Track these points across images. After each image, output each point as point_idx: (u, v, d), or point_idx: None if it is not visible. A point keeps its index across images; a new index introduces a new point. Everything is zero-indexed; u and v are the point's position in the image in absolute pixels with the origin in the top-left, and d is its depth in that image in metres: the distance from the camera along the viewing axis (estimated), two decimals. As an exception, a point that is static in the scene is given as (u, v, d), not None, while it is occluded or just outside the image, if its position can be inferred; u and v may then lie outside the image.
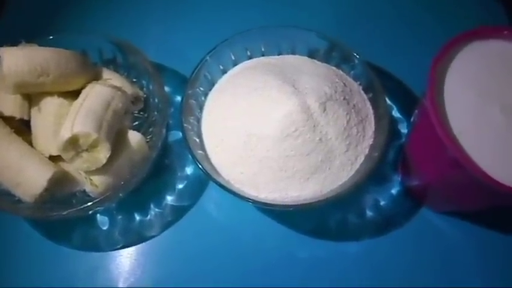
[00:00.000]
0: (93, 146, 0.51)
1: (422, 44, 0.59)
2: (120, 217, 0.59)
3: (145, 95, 0.62)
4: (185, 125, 0.55)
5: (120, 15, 0.75)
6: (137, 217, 0.59)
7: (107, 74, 0.60)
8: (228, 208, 0.59)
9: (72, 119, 0.52)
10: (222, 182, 0.53)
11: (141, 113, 0.64)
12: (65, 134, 0.50)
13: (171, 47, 0.71)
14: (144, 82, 0.62)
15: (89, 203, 0.54)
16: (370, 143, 0.57)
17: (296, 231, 0.58)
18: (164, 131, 0.56)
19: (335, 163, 0.55)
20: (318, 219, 0.58)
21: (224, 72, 0.62)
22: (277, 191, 0.54)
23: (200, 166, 0.53)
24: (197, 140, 0.57)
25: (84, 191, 0.58)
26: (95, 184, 0.54)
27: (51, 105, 0.55)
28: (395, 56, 0.69)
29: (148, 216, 0.59)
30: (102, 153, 0.51)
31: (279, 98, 0.54)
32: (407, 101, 0.65)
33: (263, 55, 0.64)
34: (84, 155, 0.51)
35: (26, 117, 0.57)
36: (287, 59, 0.63)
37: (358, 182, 0.53)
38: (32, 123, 0.57)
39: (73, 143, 0.51)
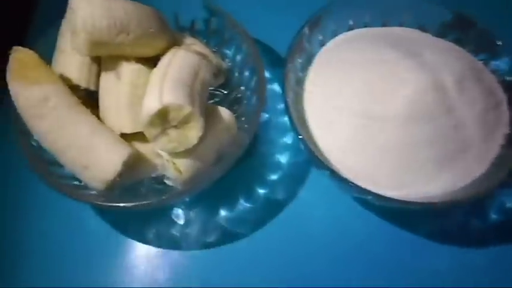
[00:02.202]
0: (184, 122, 0.41)
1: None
2: (200, 211, 0.49)
3: (228, 68, 0.51)
4: (288, 99, 0.45)
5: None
6: (222, 212, 0.49)
7: (187, 39, 0.50)
8: (333, 203, 0.49)
9: (158, 89, 0.42)
10: (336, 171, 0.43)
11: (220, 89, 0.53)
12: (153, 105, 0.40)
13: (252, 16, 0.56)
14: (228, 52, 0.51)
15: (171, 193, 0.44)
16: (506, 131, 0.46)
17: (410, 235, 0.48)
18: (262, 109, 0.45)
19: (469, 154, 0.45)
20: (435, 222, 0.49)
21: (322, 44, 0.52)
22: (398, 186, 0.45)
23: (310, 151, 0.43)
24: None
25: (154, 178, 0.48)
26: (178, 169, 0.44)
27: (126, 72, 0.45)
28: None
29: (235, 212, 0.49)
30: (195, 131, 0.41)
31: (405, 73, 0.45)
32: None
33: (365, 26, 0.53)
34: (172, 132, 0.41)
35: (92, 88, 0.47)
36: (396, 30, 0.52)
37: (501, 178, 0.42)
38: (101, 95, 0.46)
39: (161, 117, 0.40)
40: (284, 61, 0.47)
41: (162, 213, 0.49)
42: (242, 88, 0.51)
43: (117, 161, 0.43)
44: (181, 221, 0.49)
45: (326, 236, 0.48)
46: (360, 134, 0.45)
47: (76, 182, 0.47)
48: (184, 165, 0.44)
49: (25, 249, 0.49)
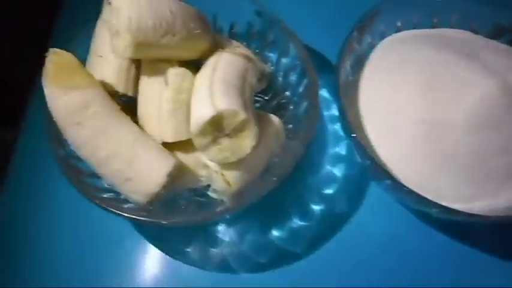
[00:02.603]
0: (237, 131, 0.37)
1: None
2: (247, 227, 0.45)
3: (271, 72, 0.48)
4: (342, 104, 0.41)
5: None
6: (273, 229, 0.45)
7: (228, 42, 0.47)
8: (391, 218, 0.46)
9: (208, 94, 0.39)
10: (397, 181, 0.40)
11: (260, 95, 0.49)
12: (206, 112, 0.36)
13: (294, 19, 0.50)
14: (271, 55, 0.48)
15: (221, 207, 0.41)
16: None
17: (472, 250, 0.44)
18: (317, 115, 0.42)
19: (540, 163, 0.41)
20: (497, 236, 0.45)
21: (372, 46, 0.49)
22: (463, 198, 0.42)
23: (369, 159, 0.40)
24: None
25: (194, 190, 0.45)
26: (227, 181, 0.40)
27: (170, 76, 0.42)
28: None
29: (288, 229, 0.45)
30: (249, 140, 0.38)
31: (469, 75, 0.41)
32: None
33: (414, 27, 0.50)
34: (224, 141, 0.38)
35: (130, 93, 0.43)
36: (448, 32, 0.49)
37: None
38: (140, 101, 0.43)
39: (213, 125, 0.37)
40: (333, 65, 0.44)
41: (203, 229, 0.45)
42: (287, 93, 0.47)
43: (162, 172, 0.40)
44: (226, 238, 0.46)
45: (386, 253, 0.45)
46: (421, 142, 0.42)
47: (112, 195, 0.43)
48: (234, 177, 0.41)
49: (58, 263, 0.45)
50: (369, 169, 0.44)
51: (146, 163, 0.40)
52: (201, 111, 0.37)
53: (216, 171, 0.41)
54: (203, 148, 0.39)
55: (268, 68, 0.49)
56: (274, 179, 0.42)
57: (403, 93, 0.43)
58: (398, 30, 0.51)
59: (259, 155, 0.42)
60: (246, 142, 0.39)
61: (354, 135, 0.40)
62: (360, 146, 0.40)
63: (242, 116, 0.37)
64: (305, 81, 0.45)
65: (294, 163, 0.41)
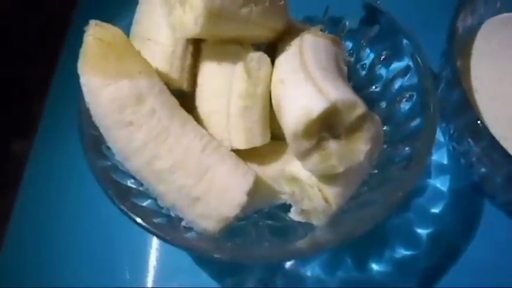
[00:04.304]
0: (351, 130, 0.27)
1: None
2: (337, 260, 0.34)
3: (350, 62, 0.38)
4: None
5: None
6: (371, 263, 0.34)
7: (303, 25, 0.37)
8: None
9: (307, 82, 0.28)
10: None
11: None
12: (317, 104, 0.26)
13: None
14: (348, 44, 0.38)
15: (315, 240, 0.30)
16: None
17: None
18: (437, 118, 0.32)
19: None
20: None
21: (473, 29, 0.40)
22: None
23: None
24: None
25: (264, 211, 0.34)
26: (326, 199, 0.30)
27: (243, 63, 0.31)
28: None
29: (390, 262, 0.35)
30: (363, 143, 0.28)
31: None
32: None
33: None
34: (332, 145, 0.27)
35: (185, 86, 0.32)
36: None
37: None
38: (200, 96, 0.33)
39: (322, 123, 0.26)
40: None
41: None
42: (375, 88, 0.37)
43: (242, 189, 0.29)
44: (308, 273, 0.35)
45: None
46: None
47: (164, 220, 0.32)
48: (334, 193, 0.31)
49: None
50: (490, 179, 0.34)
51: (220, 178, 0.30)
52: (308, 104, 0.27)
53: (312, 185, 0.30)
54: (304, 155, 0.28)
55: (347, 57, 0.39)
56: (388, 199, 0.31)
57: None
58: (500, 12, 0.42)
59: (364, 164, 0.32)
60: (360, 146, 0.29)
61: (479, 122, 0.30)
62: (486, 145, 0.30)
63: (361, 109, 0.27)
64: (408, 74, 0.34)
65: (415, 178, 0.30)
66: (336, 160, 0.29)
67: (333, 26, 0.41)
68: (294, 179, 0.32)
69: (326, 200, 0.31)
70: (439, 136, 0.40)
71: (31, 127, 0.43)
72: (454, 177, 0.39)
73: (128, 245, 0.38)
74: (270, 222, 0.36)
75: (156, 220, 0.32)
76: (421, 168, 0.32)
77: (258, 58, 0.33)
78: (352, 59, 0.40)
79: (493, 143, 0.33)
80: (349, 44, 0.41)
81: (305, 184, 0.32)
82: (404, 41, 0.36)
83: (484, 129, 0.33)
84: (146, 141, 0.29)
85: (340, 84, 0.29)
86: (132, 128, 0.29)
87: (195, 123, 0.31)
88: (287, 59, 0.33)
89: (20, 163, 0.41)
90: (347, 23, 0.41)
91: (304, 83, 0.29)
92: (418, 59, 0.35)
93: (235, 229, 0.35)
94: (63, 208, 0.41)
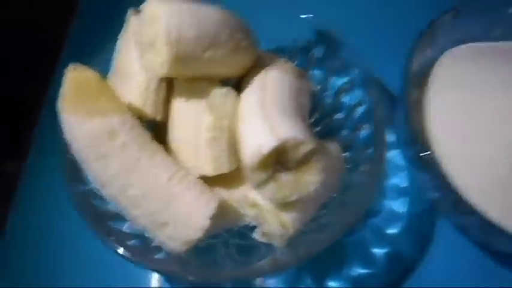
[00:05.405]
0: (301, 163, 0.30)
1: None
2: (297, 279, 0.38)
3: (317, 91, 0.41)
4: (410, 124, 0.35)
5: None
6: (329, 281, 0.38)
7: (272, 57, 0.40)
8: (471, 262, 0.38)
9: (263, 120, 0.31)
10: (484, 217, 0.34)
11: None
12: (267, 142, 0.29)
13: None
14: (317, 73, 0.41)
15: (272, 261, 0.33)
16: None
17: None
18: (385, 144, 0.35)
19: None
20: None
21: (432, 61, 0.42)
22: None
23: (450, 192, 0.34)
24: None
25: (234, 231, 0.37)
26: (283, 223, 0.33)
27: (210, 98, 0.34)
28: None
29: (347, 279, 0.38)
30: (315, 175, 0.31)
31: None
32: None
33: (478, 40, 0.44)
34: (285, 177, 0.31)
35: (159, 118, 0.36)
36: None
37: None
38: (173, 127, 0.36)
39: (274, 157, 0.30)
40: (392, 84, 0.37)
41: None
42: (339, 116, 0.40)
43: (205, 215, 0.33)
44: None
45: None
46: (508, 171, 0.34)
47: (139, 242, 0.35)
48: (291, 218, 0.34)
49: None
50: (441, 204, 0.37)
51: (185, 204, 0.33)
52: (260, 141, 0.30)
53: (270, 211, 0.34)
54: (259, 185, 0.31)
55: (314, 86, 0.42)
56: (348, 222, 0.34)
57: (480, 116, 0.37)
58: (459, 43, 0.44)
59: (320, 192, 0.35)
60: (311, 177, 0.32)
61: (428, 153, 0.33)
62: (435, 175, 0.33)
63: (309, 146, 0.30)
64: (365, 102, 0.37)
65: (369, 201, 0.33)
66: (288, 190, 0.32)
67: (302, 55, 0.44)
68: (254, 205, 0.35)
69: (283, 225, 0.35)
70: (400, 160, 0.43)
71: (22, 149, 0.46)
72: (413, 199, 0.42)
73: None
74: (238, 241, 0.39)
75: (130, 242, 0.36)
76: (371, 194, 0.35)
77: (222, 93, 0.36)
78: (319, 87, 0.43)
79: (442, 174, 0.36)
80: (317, 73, 0.43)
81: (264, 210, 0.35)
82: (359, 72, 0.39)
83: (433, 160, 0.36)
84: (119, 172, 0.32)
85: (293, 122, 0.33)
86: (106, 160, 0.32)
87: (164, 154, 0.35)
88: (249, 93, 0.36)
89: (11, 184, 0.45)
90: (315, 53, 0.43)
91: (258, 120, 0.33)
92: (372, 90, 0.38)
93: (206, 247, 0.38)
94: (53, 227, 0.44)
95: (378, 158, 0.35)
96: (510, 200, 0.36)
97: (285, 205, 0.34)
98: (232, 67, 0.36)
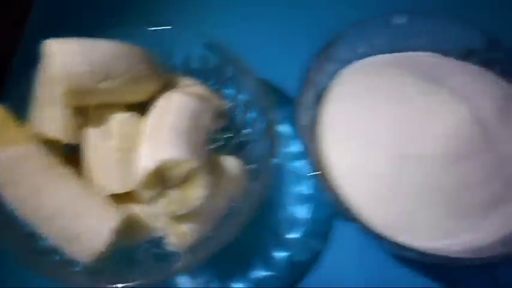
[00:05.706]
0: (185, 180, 0.34)
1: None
2: (208, 279, 0.41)
3: (230, 108, 0.45)
4: (304, 141, 0.38)
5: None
6: (235, 282, 0.42)
7: (182, 80, 0.44)
8: (365, 261, 0.42)
9: (152, 142, 0.35)
10: (368, 225, 0.37)
11: (221, 133, 0.46)
12: (147, 164, 0.33)
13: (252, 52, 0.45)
14: (229, 91, 0.45)
15: (176, 266, 0.37)
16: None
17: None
18: (274, 155, 0.38)
19: (519, 194, 0.38)
20: (487, 273, 0.41)
21: (333, 76, 0.46)
22: (441, 235, 0.39)
23: (337, 201, 0.37)
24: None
25: (151, 241, 0.41)
26: (182, 233, 0.37)
27: (114, 123, 0.39)
28: None
29: (250, 280, 0.41)
30: (199, 190, 0.35)
31: (438, 105, 0.38)
32: None
33: (380, 52, 0.47)
34: (173, 193, 0.34)
35: (73, 141, 0.40)
36: (416, 56, 0.46)
37: None
38: (86, 150, 0.40)
39: (158, 176, 0.33)
40: (293, 99, 0.40)
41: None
42: (247, 131, 0.44)
43: (107, 229, 0.36)
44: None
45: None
46: (392, 178, 0.38)
47: (58, 257, 0.39)
48: (189, 229, 0.38)
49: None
50: (337, 210, 0.40)
51: (89, 220, 0.37)
52: (143, 163, 0.34)
53: (169, 222, 0.37)
54: (150, 201, 0.35)
55: (227, 104, 0.46)
56: (234, 226, 0.38)
57: (370, 127, 0.40)
58: (363, 56, 0.47)
59: (218, 203, 0.39)
60: (195, 193, 0.35)
61: (318, 172, 0.37)
62: (325, 185, 0.37)
63: (188, 164, 0.34)
64: (264, 117, 0.41)
65: (255, 208, 0.37)
66: (176, 206, 0.36)
67: (215, 75, 0.48)
68: (158, 218, 0.39)
69: (182, 235, 0.39)
70: (306, 169, 0.46)
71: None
72: (314, 206, 0.45)
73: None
74: (156, 250, 0.43)
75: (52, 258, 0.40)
76: (256, 200, 0.38)
77: (126, 119, 0.40)
78: (232, 104, 0.47)
79: (331, 185, 0.39)
80: (229, 91, 0.47)
81: (165, 222, 0.39)
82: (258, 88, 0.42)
83: (324, 173, 0.39)
84: (27, 196, 0.37)
85: (180, 143, 0.36)
86: (15, 186, 0.37)
87: (71, 177, 0.39)
88: (151, 117, 0.40)
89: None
90: (226, 72, 0.47)
91: (147, 143, 0.37)
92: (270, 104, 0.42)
93: (126, 255, 0.42)
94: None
95: (266, 168, 0.39)
96: (394, 208, 0.39)
97: (180, 217, 0.38)
98: (135, 94, 0.40)
